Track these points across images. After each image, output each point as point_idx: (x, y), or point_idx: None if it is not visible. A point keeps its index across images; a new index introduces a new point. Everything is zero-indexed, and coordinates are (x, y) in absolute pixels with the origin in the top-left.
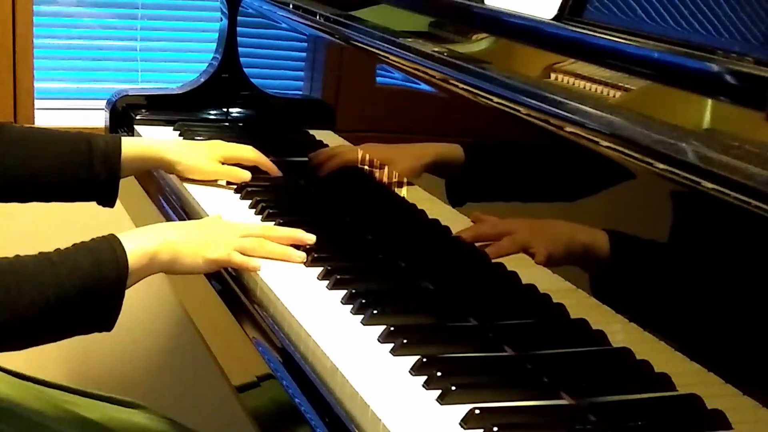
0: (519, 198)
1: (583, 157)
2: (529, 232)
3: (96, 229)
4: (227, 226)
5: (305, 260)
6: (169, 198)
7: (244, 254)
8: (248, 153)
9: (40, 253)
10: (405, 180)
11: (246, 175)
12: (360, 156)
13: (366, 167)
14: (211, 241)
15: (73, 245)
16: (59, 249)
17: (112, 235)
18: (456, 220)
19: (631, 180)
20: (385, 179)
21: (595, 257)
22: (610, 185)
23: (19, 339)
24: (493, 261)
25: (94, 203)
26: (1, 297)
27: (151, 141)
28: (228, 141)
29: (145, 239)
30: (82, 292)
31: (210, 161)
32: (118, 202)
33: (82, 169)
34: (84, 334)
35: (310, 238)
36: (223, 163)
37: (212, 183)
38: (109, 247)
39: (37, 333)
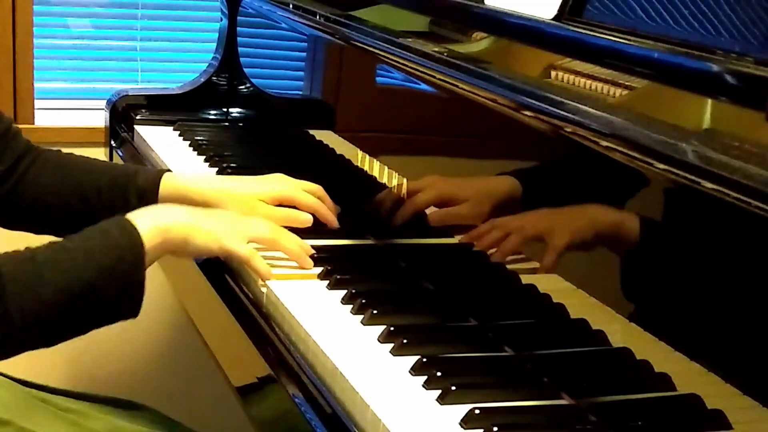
0: (518, 198)
1: (583, 157)
2: (535, 226)
3: None
4: (240, 216)
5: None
6: None
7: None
8: (306, 198)
9: (49, 242)
10: (405, 179)
11: (307, 220)
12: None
13: (366, 167)
14: (228, 228)
15: (82, 231)
16: (69, 237)
17: (120, 216)
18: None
19: (631, 180)
20: (385, 179)
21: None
22: (610, 185)
23: (49, 331)
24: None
25: None
26: (24, 286)
27: (192, 181)
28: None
29: (158, 216)
30: (103, 274)
31: (260, 205)
32: None
33: (116, 202)
34: (111, 323)
35: (311, 256)
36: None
37: None
38: (122, 227)
39: (65, 323)
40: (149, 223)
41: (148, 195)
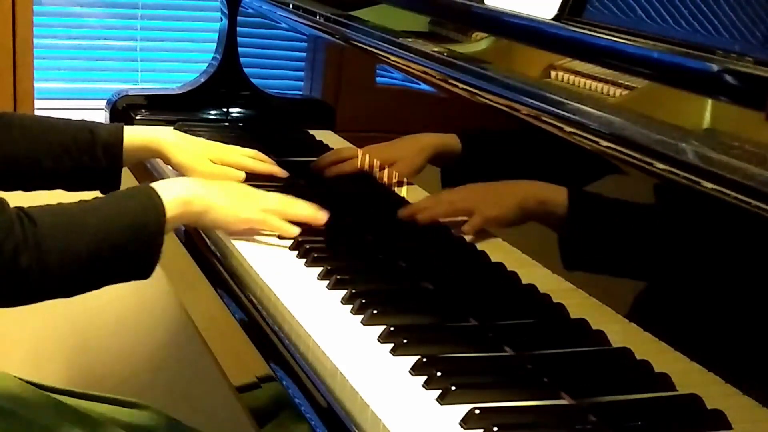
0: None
1: (583, 157)
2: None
3: None
4: (249, 188)
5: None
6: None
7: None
8: (243, 160)
9: (80, 200)
10: (404, 179)
11: (239, 176)
12: (362, 158)
13: (366, 167)
14: (241, 200)
15: (110, 194)
16: (97, 197)
17: (146, 184)
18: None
19: (631, 180)
20: (384, 179)
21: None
22: (610, 185)
23: (75, 282)
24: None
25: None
26: (61, 239)
27: (152, 131)
28: (229, 142)
29: (178, 189)
30: (128, 236)
31: (205, 160)
32: None
33: (84, 157)
34: (126, 280)
35: (325, 215)
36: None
37: None
38: (147, 195)
39: (89, 277)
40: (173, 194)
41: (114, 148)
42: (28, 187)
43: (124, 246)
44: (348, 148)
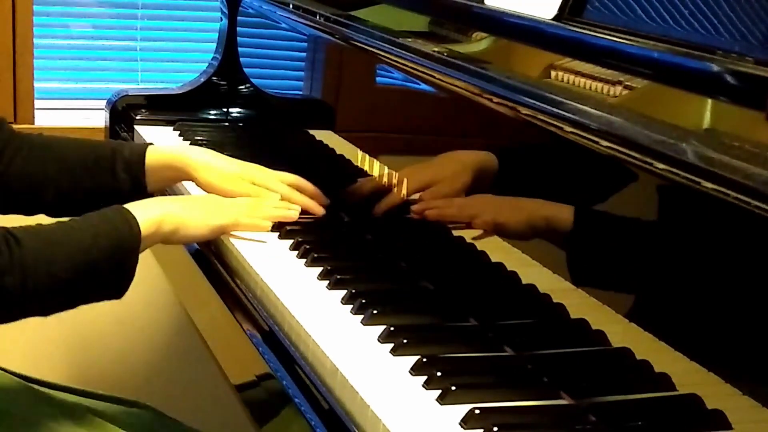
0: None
1: (583, 157)
2: (500, 210)
3: None
4: (225, 199)
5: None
6: None
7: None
8: (280, 187)
9: (58, 222)
10: (404, 179)
11: (274, 198)
12: (392, 178)
13: (366, 167)
14: (214, 211)
15: (85, 216)
16: (75, 219)
17: (120, 206)
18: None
19: (631, 180)
20: (384, 179)
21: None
22: (610, 185)
23: (52, 302)
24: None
25: None
26: (41, 259)
27: (179, 149)
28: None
29: (151, 209)
30: (105, 256)
31: (237, 181)
32: None
33: (105, 177)
34: (99, 300)
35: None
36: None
37: None
38: (122, 216)
39: (68, 297)
40: (146, 214)
41: (136, 168)
42: (50, 211)
43: (101, 267)
44: (374, 179)
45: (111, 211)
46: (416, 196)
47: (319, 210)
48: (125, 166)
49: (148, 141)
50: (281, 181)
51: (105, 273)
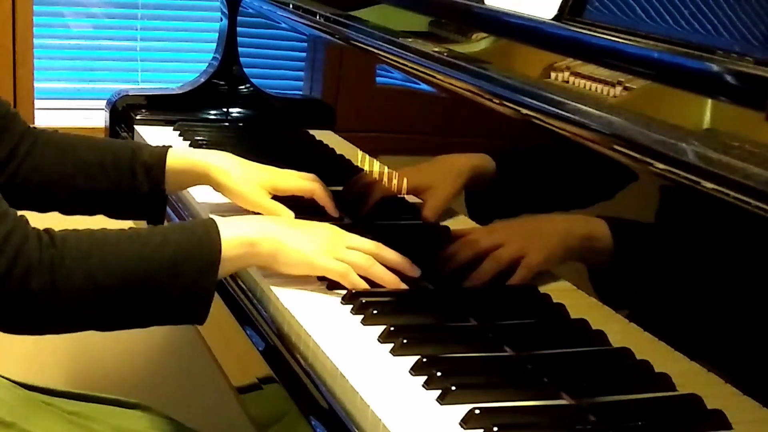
0: (518, 198)
1: (583, 157)
2: (522, 238)
3: None
4: (336, 232)
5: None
6: (174, 205)
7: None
8: (305, 184)
9: (130, 227)
10: (405, 180)
11: (289, 215)
12: (390, 179)
13: (366, 167)
14: (319, 246)
15: (169, 224)
16: (151, 226)
17: (210, 218)
18: (456, 220)
19: (631, 180)
20: (384, 179)
21: (595, 251)
22: (610, 185)
23: (99, 314)
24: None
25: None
26: (79, 259)
27: (200, 154)
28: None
29: (245, 227)
30: (167, 269)
31: (259, 190)
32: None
33: (123, 178)
34: (172, 324)
35: (416, 271)
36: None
37: None
38: (203, 228)
39: (115, 314)
40: (235, 232)
41: (155, 170)
42: (64, 210)
43: (162, 280)
44: (367, 174)
45: (196, 222)
46: (415, 198)
47: (335, 212)
48: (145, 169)
49: (147, 141)
50: (301, 178)
51: (169, 290)
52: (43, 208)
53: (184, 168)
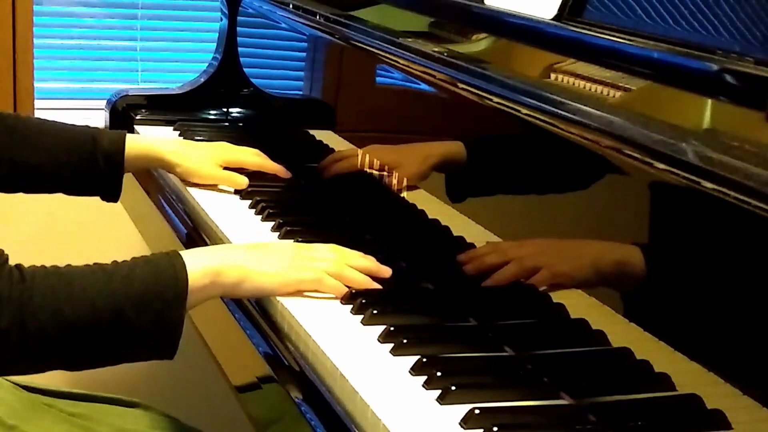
0: (518, 198)
1: (583, 157)
2: (536, 255)
3: (98, 230)
4: (299, 246)
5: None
6: (169, 198)
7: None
8: (251, 158)
9: (94, 263)
10: (405, 180)
11: (243, 182)
12: (364, 160)
13: (366, 168)
14: (287, 262)
15: (132, 258)
16: (115, 261)
17: (174, 250)
18: (456, 220)
19: (631, 180)
20: (385, 179)
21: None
22: (610, 185)
23: (68, 353)
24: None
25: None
26: (46, 300)
27: (154, 141)
28: (229, 142)
29: (210, 257)
30: (136, 304)
31: (210, 165)
32: (119, 203)
33: (85, 164)
34: (141, 360)
35: (387, 271)
36: (224, 168)
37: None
38: (168, 261)
39: (87, 351)
40: (201, 262)
41: (115, 156)
42: (27, 190)
43: (129, 317)
44: (350, 149)
45: (160, 255)
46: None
47: (287, 173)
48: (105, 156)
49: None
50: (250, 153)
51: (138, 325)
52: (7, 190)
53: (139, 154)
